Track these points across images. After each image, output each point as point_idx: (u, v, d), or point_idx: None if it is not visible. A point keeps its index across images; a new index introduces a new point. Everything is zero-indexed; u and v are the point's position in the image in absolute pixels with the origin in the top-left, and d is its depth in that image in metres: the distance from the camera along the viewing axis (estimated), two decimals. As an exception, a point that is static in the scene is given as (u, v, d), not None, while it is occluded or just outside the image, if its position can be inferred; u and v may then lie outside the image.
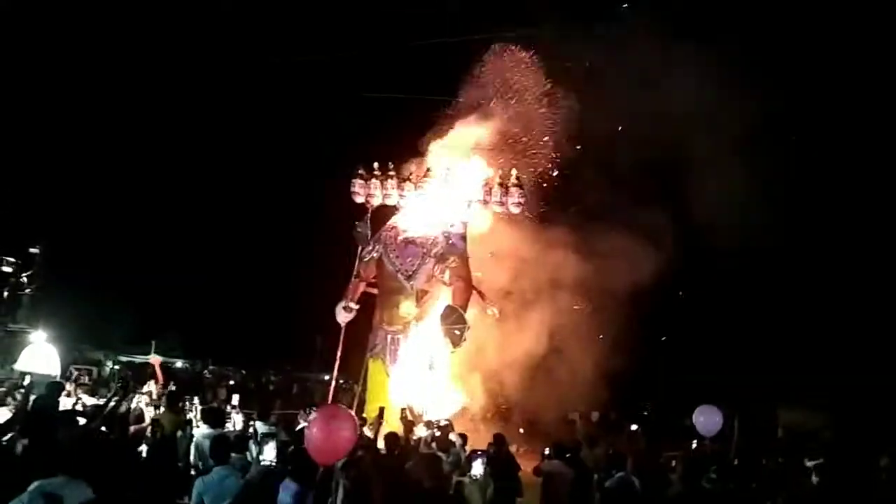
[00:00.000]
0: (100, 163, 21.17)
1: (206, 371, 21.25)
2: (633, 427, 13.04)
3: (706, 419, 10.09)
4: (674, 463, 8.80)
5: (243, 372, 22.05)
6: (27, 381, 9.86)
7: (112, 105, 21.03)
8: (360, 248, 16.42)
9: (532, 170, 17.31)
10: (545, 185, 17.59)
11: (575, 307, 16.70)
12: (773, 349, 19.14)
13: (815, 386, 18.44)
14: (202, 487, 6.28)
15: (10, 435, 6.92)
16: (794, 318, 19.28)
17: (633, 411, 16.61)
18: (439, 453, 8.01)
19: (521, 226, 16.75)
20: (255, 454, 7.74)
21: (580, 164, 17.60)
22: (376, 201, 16.59)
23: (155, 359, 13.94)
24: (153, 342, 23.24)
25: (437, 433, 9.24)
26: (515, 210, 16.13)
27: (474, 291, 15.72)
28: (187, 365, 22.15)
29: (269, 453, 6.59)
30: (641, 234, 16.35)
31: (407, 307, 16.02)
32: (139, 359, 22.04)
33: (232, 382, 18.13)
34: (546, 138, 17.47)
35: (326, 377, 16.85)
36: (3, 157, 18.11)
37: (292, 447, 7.09)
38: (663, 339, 20.26)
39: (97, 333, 20.34)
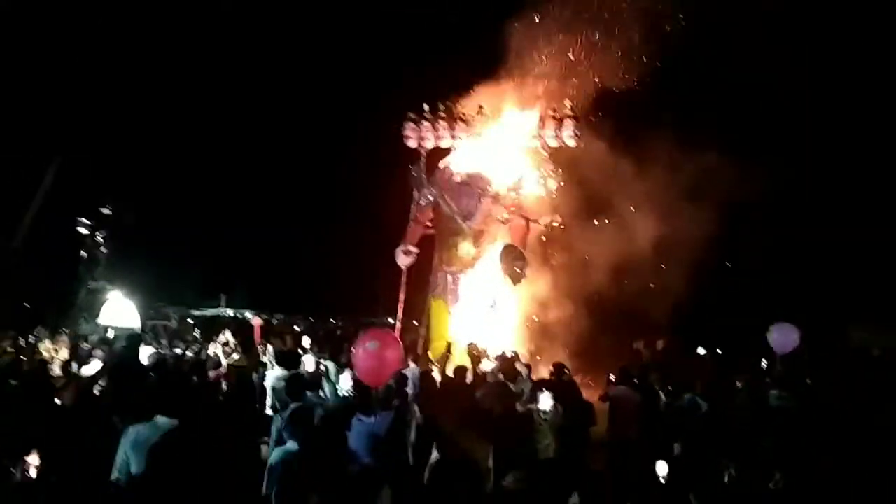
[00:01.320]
0: (163, 123, 21.58)
1: (274, 321, 21.88)
2: (701, 351, 12.91)
3: (781, 336, 9.95)
4: (739, 384, 8.77)
5: (311, 319, 22.65)
6: (111, 334, 10.40)
7: (174, 62, 21.29)
8: (415, 192, 16.52)
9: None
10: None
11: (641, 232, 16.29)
12: (843, 266, 18.65)
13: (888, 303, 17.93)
14: (281, 424, 6.55)
15: (100, 384, 7.37)
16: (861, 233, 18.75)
17: (700, 337, 16.34)
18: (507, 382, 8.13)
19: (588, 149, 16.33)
20: (327, 392, 8.00)
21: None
22: (429, 144, 16.62)
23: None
24: (223, 296, 24.11)
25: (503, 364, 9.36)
26: (571, 142, 15.92)
27: (531, 223, 15.68)
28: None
29: (346, 383, 6.79)
30: (720, 160, 15.75)
31: (465, 247, 16.12)
32: (210, 312, 22.90)
33: (300, 329, 18.62)
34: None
35: (391, 320, 17.14)
36: (73, 121, 18.58)
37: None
38: (728, 264, 19.83)
39: (169, 290, 21.10)
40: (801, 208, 19.19)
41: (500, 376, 8.57)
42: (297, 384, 6.97)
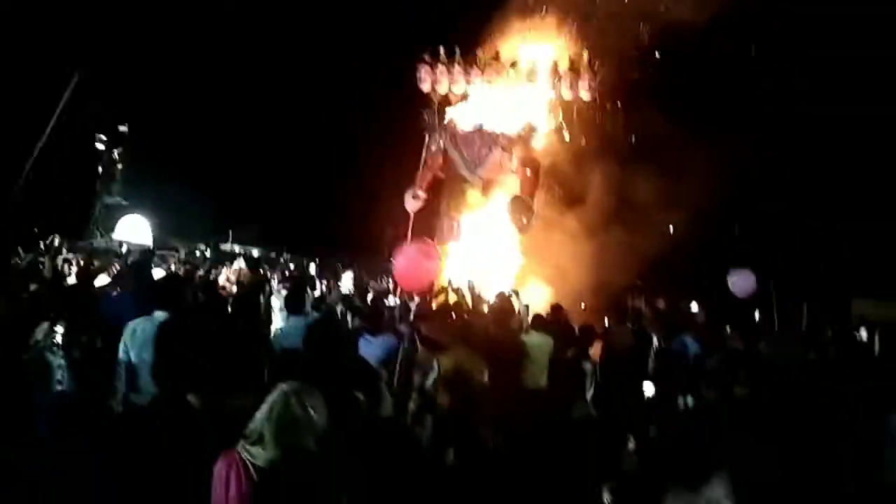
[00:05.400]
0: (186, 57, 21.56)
1: (282, 259, 22.16)
2: (695, 307, 13.19)
3: (741, 280, 10.44)
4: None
5: (317, 260, 22.93)
6: (124, 248, 10.69)
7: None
8: (427, 137, 16.58)
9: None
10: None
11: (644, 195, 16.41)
12: (846, 240, 18.81)
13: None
14: (281, 335, 6.83)
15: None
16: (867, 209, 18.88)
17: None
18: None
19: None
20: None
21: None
22: (443, 89, 16.59)
23: None
24: (230, 231, 24.37)
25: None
26: (586, 96, 15.88)
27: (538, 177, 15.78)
28: (264, 252, 23.18)
29: (347, 283, 7.05)
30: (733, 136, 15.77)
31: (474, 195, 16.30)
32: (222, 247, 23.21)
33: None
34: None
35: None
36: (95, 37, 18.60)
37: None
38: (735, 233, 19.96)
39: (179, 221, 21.34)
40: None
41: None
42: (297, 298, 7.21)
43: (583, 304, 14.52)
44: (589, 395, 7.35)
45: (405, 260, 6.33)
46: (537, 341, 7.52)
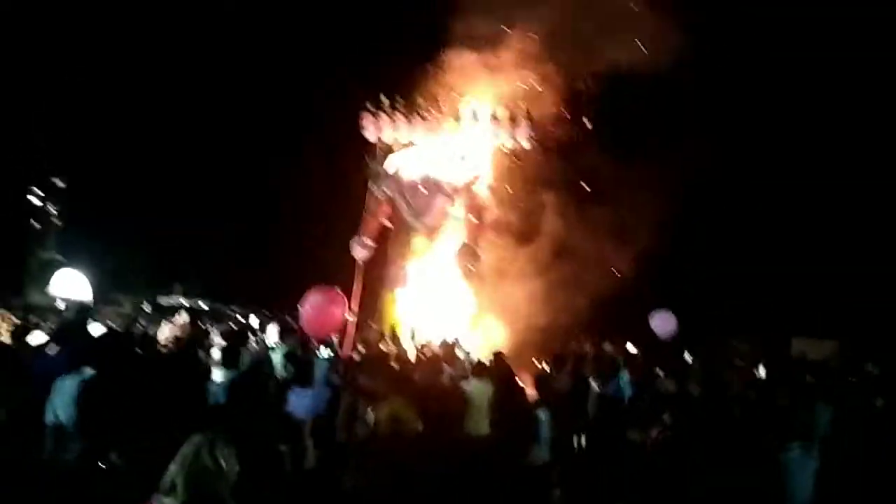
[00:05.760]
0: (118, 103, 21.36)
1: (229, 311, 21.86)
2: (632, 349, 13.42)
3: (662, 322, 10.81)
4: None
5: (265, 312, 22.66)
6: (62, 305, 10.44)
7: (132, 45, 21.14)
8: (372, 185, 16.71)
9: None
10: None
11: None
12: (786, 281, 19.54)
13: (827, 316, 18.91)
14: (218, 389, 6.78)
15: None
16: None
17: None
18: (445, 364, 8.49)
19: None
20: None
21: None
22: (387, 138, 16.75)
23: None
24: (176, 285, 23.95)
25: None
26: (526, 144, 16.25)
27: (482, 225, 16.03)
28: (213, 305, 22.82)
29: (273, 335, 7.07)
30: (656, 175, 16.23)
31: (420, 243, 16.44)
32: (164, 301, 22.72)
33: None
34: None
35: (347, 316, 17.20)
36: (28, 91, 18.37)
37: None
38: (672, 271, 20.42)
39: (120, 276, 20.91)
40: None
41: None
42: (233, 353, 7.20)
43: (529, 350, 14.61)
44: (545, 440, 7.36)
45: (311, 307, 6.36)
46: (478, 388, 7.60)
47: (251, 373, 6.23)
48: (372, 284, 16.75)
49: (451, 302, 15.67)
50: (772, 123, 20.27)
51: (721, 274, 20.57)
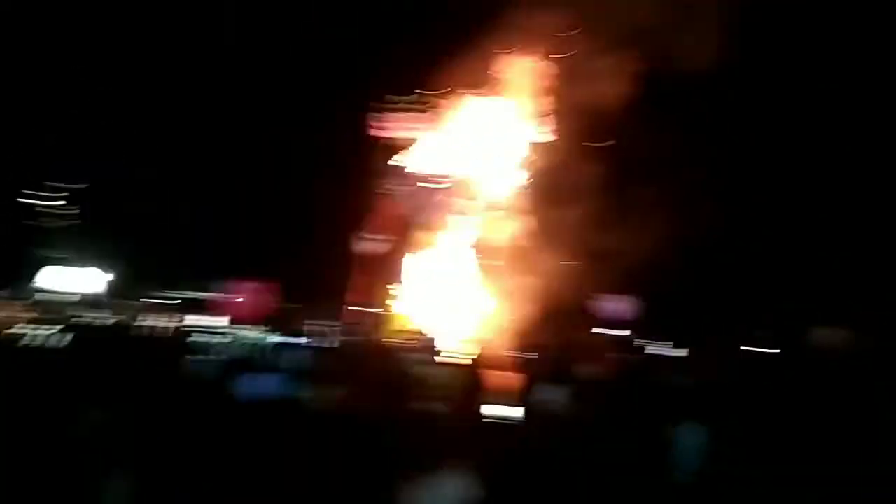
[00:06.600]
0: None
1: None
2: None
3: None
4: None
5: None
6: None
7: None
8: (378, 181, 16.70)
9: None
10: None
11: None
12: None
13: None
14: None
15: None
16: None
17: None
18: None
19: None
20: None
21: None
22: (394, 134, 16.68)
23: None
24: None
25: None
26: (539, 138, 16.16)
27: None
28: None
29: None
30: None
31: (424, 237, 16.57)
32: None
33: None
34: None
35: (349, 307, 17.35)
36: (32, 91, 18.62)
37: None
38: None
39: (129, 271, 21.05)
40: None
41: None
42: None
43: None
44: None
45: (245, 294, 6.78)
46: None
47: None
48: (375, 277, 16.84)
49: (455, 294, 15.85)
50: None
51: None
